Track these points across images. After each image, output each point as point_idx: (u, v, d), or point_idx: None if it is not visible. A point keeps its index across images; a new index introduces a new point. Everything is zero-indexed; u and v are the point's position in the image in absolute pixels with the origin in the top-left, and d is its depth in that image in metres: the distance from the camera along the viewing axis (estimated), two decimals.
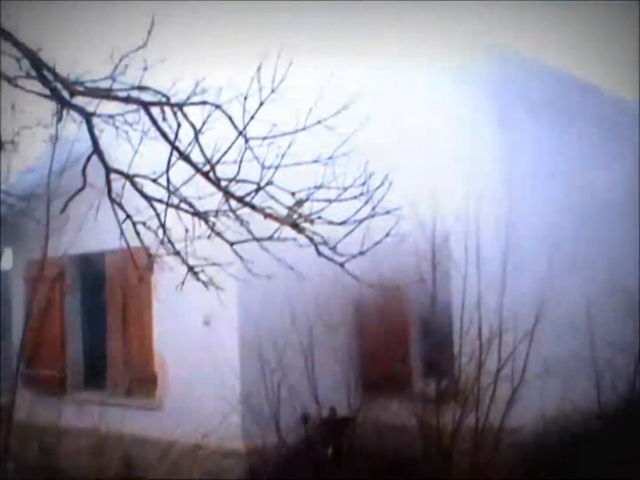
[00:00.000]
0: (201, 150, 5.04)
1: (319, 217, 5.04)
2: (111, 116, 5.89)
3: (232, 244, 5.62)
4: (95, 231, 9.35)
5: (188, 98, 5.05)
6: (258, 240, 5.33)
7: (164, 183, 5.56)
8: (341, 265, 5.30)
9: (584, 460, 9.60)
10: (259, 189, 5.00)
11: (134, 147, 5.96)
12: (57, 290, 12.39)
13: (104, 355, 12.14)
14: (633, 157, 12.16)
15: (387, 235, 5.33)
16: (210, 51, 7.25)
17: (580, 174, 10.90)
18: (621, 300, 10.36)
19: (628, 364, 10.26)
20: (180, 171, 5.70)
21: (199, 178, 5.55)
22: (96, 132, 5.89)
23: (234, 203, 5.19)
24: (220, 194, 5.36)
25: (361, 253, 5.31)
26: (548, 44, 13.73)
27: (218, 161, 4.99)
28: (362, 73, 9.50)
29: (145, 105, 5.07)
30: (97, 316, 12.29)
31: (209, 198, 5.67)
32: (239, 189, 5.18)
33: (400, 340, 11.21)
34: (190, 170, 5.52)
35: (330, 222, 5.06)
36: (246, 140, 4.95)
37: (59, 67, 6.25)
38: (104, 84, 6.11)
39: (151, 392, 11.29)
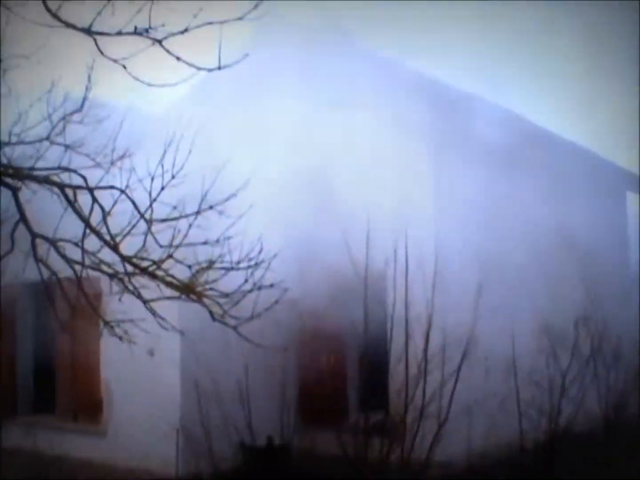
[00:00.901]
0: (107, 229, 6.08)
1: (211, 289, 6.09)
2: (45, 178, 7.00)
3: (145, 302, 6.66)
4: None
5: (100, 181, 6.10)
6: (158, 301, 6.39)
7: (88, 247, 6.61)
8: (234, 328, 6.35)
9: None
10: (154, 263, 6.05)
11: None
12: (10, 315, 13.42)
13: (53, 381, 13.18)
14: (572, 202, 13.25)
15: (276, 302, 6.42)
16: None
17: (510, 217, 11.95)
18: (545, 340, 11.39)
19: (551, 402, 11.26)
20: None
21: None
22: (30, 193, 7.01)
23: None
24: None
25: (251, 317, 6.36)
26: (544, 45, 14.56)
27: (122, 238, 6.04)
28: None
29: (61, 188, 6.12)
30: (48, 342, 13.32)
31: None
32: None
33: (337, 375, 12.27)
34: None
35: (225, 294, 6.11)
36: (146, 222, 6.00)
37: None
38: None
39: (96, 417, 12.33)
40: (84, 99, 7.51)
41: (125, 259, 6.01)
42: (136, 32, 4.98)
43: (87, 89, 7.45)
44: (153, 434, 11.44)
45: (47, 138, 7.55)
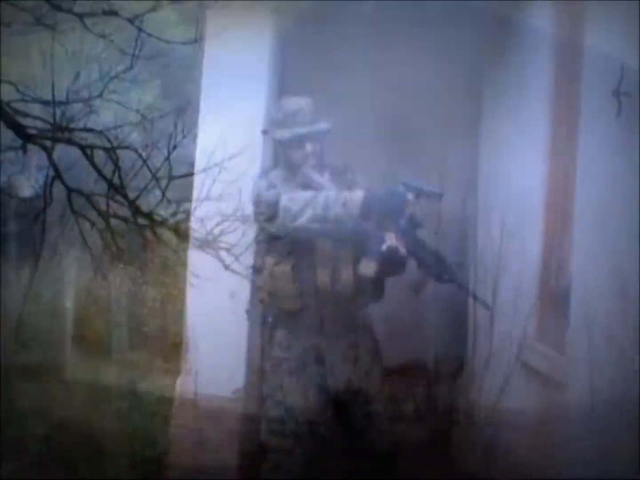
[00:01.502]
0: (122, 186, 6.72)
1: (220, 242, 6.70)
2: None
3: (175, 252, 7.31)
4: None
5: (120, 141, 6.74)
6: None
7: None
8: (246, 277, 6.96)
9: None
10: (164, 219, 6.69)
11: None
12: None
13: (146, 321, 14.09)
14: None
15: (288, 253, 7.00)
16: None
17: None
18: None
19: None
20: None
21: None
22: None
23: None
24: None
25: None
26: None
27: (136, 198, 6.69)
28: None
29: (83, 148, 6.77)
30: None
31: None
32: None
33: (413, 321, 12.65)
34: None
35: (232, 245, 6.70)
36: (157, 180, 6.61)
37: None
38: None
39: (183, 358, 13.14)
40: (133, 56, 8.09)
41: (143, 213, 6.64)
42: (104, 13, 5.52)
43: (137, 46, 8.04)
44: (235, 374, 12.19)
45: (100, 95, 8.21)
